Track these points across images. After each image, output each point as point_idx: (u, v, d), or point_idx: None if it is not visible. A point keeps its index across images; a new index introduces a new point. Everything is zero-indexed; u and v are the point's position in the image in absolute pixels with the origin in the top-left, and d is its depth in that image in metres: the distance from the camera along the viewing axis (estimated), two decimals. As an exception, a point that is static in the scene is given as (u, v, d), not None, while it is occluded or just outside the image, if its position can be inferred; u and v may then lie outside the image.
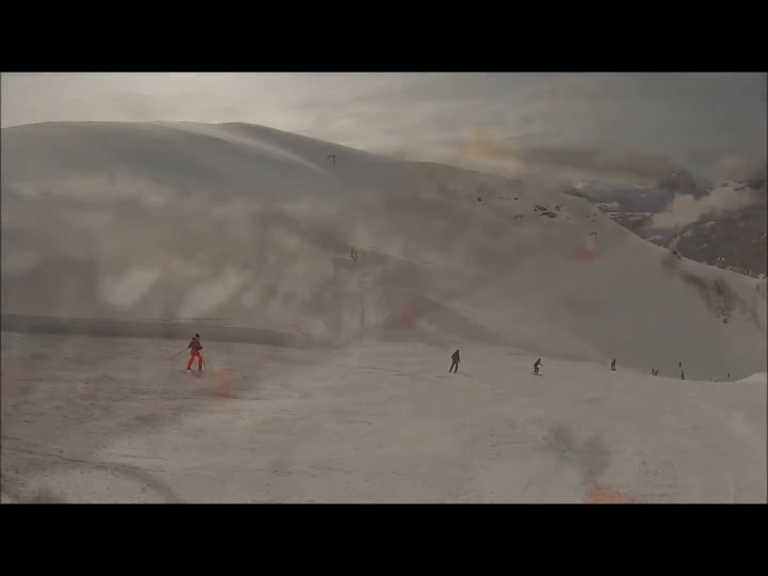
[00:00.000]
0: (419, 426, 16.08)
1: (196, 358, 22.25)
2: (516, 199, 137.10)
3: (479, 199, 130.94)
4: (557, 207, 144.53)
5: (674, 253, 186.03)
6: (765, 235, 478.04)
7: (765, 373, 51.76)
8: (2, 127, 67.11)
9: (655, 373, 65.57)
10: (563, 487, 11.24)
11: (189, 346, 22.45)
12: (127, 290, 30.18)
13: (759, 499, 10.74)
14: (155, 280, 33.80)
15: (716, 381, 56.22)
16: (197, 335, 23.23)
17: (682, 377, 69.85)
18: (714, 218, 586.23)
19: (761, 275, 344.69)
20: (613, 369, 51.32)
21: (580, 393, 27.08)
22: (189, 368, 21.78)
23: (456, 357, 32.89)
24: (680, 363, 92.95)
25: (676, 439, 16.49)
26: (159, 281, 33.81)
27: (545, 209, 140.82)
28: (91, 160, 63.15)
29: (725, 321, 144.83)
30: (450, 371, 31.80)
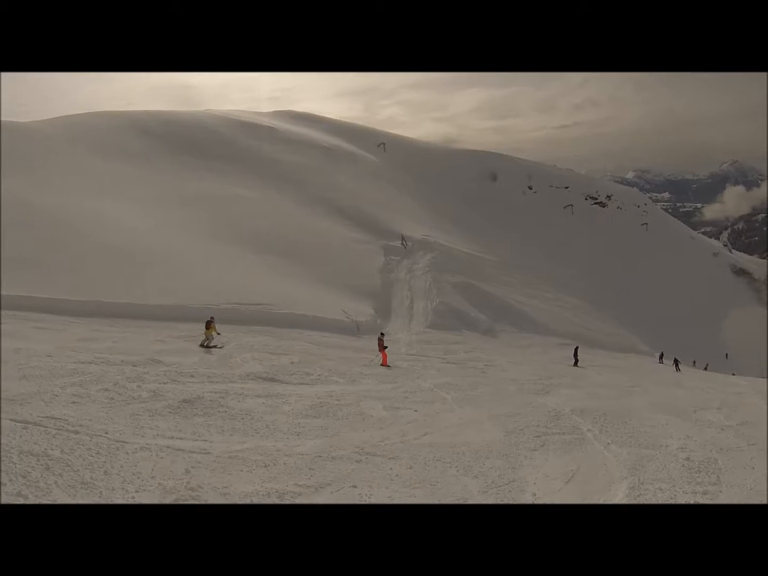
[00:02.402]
0: (464, 414, 16.06)
1: (384, 355, 24.58)
2: (566, 188, 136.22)
3: (530, 188, 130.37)
4: (608, 197, 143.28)
5: (725, 245, 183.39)
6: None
7: None
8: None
9: (706, 368, 64.76)
10: (606, 480, 11.13)
11: (380, 350, 24.84)
12: (176, 276, 30.59)
13: None
14: (203, 267, 34.22)
15: (764, 377, 55.20)
16: (382, 334, 26.58)
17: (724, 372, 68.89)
18: (765, 210, 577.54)
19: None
20: (661, 362, 50.72)
21: (626, 385, 26.93)
22: (384, 365, 24.01)
23: (575, 353, 35.32)
24: (726, 355, 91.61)
25: (720, 436, 16.30)
26: (207, 268, 34.21)
27: (596, 198, 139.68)
28: (136, 150, 64.11)
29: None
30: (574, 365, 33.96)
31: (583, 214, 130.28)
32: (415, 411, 15.73)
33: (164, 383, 14.49)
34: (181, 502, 8.12)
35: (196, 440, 10.45)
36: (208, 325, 22.82)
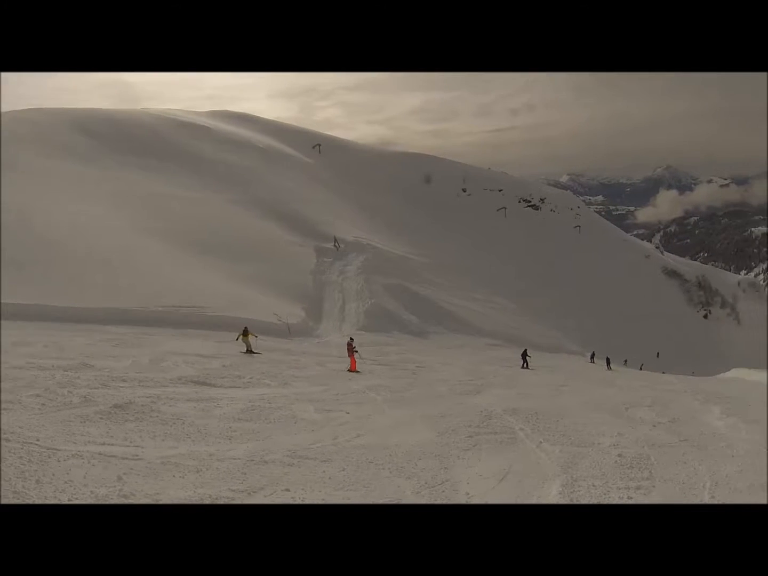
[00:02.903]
0: (396, 416, 16.15)
1: (352, 360, 25.24)
2: (500, 191, 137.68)
3: (464, 191, 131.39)
4: (541, 200, 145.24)
5: (657, 247, 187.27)
6: (748, 231, 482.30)
7: (743, 369, 52.25)
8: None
9: (641, 367, 66.14)
10: (539, 478, 11.21)
11: (350, 355, 25.54)
12: (108, 277, 30.25)
13: (734, 493, 10.82)
14: (136, 267, 33.90)
15: (693, 375, 56.52)
16: (351, 339, 27.24)
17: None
18: (698, 213, 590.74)
19: (743, 272, 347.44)
20: (592, 361, 51.60)
21: (558, 385, 27.36)
22: (353, 370, 24.64)
23: (525, 354, 36.38)
24: (658, 354, 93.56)
25: (652, 433, 16.51)
26: (140, 268, 33.90)
27: (529, 201, 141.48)
28: (76, 146, 63.20)
29: (705, 316, 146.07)
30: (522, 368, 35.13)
31: (517, 217, 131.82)
32: (347, 413, 15.77)
33: (95, 388, 14.39)
34: (184, 503, 8.21)
35: (128, 446, 10.41)
36: (246, 332, 25.42)
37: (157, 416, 12.74)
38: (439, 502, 9.60)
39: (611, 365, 49.08)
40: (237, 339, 25.45)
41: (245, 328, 25.73)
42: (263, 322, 32.24)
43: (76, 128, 70.15)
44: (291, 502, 8.94)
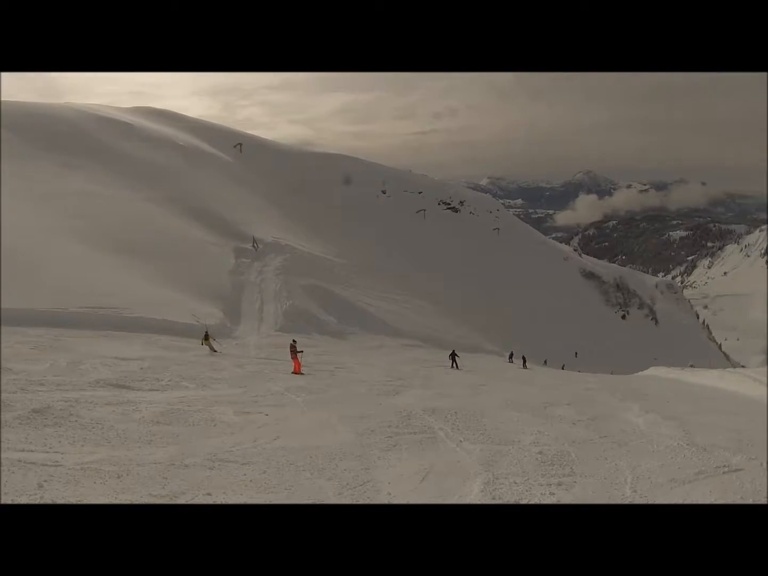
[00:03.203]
0: (316, 417, 16.18)
1: (296, 362, 25.46)
2: (420, 193, 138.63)
3: (384, 192, 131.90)
4: (461, 202, 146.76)
5: (575, 250, 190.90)
6: (666, 235, 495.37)
7: (661, 367, 53.61)
8: None
9: (563, 367, 67.43)
10: (461, 476, 11.20)
11: (292, 357, 25.83)
12: (25, 278, 29.64)
13: (655, 487, 11.00)
14: (53, 267, 33.27)
15: (612, 373, 57.80)
16: (294, 341, 27.22)
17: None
18: (617, 217, 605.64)
19: (661, 274, 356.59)
20: (511, 361, 52.38)
21: (477, 384, 27.73)
22: (297, 372, 24.96)
23: (454, 355, 37.15)
24: (576, 353, 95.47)
25: (572, 430, 16.69)
26: (57, 268, 33.29)
27: (449, 204, 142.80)
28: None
29: (623, 317, 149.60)
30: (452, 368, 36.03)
31: (436, 219, 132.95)
32: (266, 415, 15.75)
33: (13, 392, 14.18)
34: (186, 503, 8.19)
35: (48, 452, 10.32)
36: (207, 336, 27.91)
37: (76, 421, 12.61)
38: (361, 502, 9.64)
39: (527, 364, 50.07)
40: (202, 344, 27.51)
41: (206, 332, 28.31)
42: (181, 323, 32.02)
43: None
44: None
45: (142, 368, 20.01)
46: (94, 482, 9.24)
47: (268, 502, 9.24)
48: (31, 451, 10.30)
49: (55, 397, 14.33)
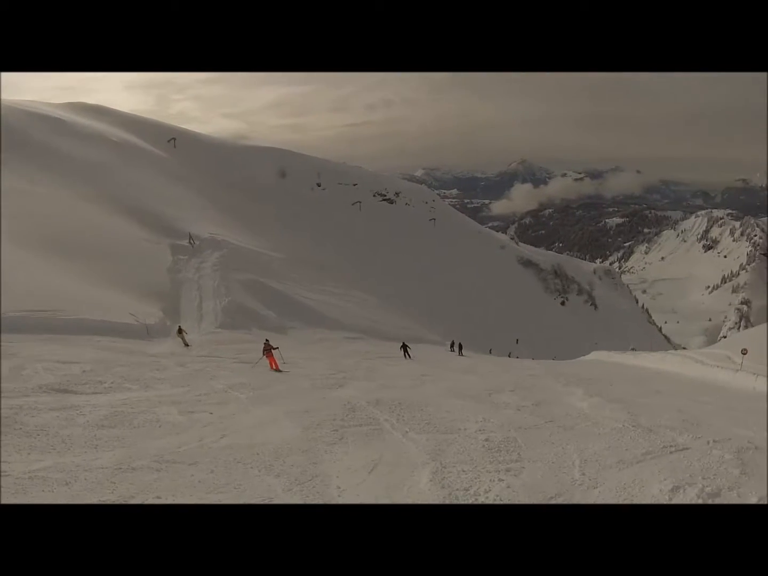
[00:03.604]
0: (261, 414, 16.24)
1: (271, 360, 26.39)
2: (355, 185, 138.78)
3: (318, 185, 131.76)
4: (396, 193, 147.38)
5: (512, 238, 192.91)
6: (603, 222, 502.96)
7: (603, 352, 54.59)
8: None
9: (510, 355, 68.13)
10: (409, 467, 11.41)
11: (263, 353, 26.59)
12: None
13: (603, 469, 11.18)
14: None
15: (554, 359, 58.59)
16: (267, 340, 28.05)
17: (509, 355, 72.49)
18: (552, 206, 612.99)
19: (598, 260, 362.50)
20: (452, 350, 52.80)
21: (419, 374, 28.00)
22: (273, 369, 25.85)
23: (405, 346, 38.99)
24: (517, 340, 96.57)
25: (517, 416, 17.00)
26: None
27: (384, 195, 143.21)
28: None
29: (563, 303, 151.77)
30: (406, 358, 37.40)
31: (372, 211, 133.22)
32: (211, 413, 15.74)
33: (-46, 401, 14.03)
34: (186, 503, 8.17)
35: (-7, 460, 10.26)
36: (180, 330, 32.29)
37: (21, 428, 12.48)
38: (311, 497, 9.72)
39: (462, 351, 50.87)
40: (176, 338, 31.23)
41: (179, 326, 32.96)
42: (120, 323, 31.65)
43: None
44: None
45: (84, 371, 19.78)
46: (42, 490, 9.18)
47: (218, 503, 9.28)
48: (-23, 460, 10.21)
49: (-3, 404, 14.17)
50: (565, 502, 9.74)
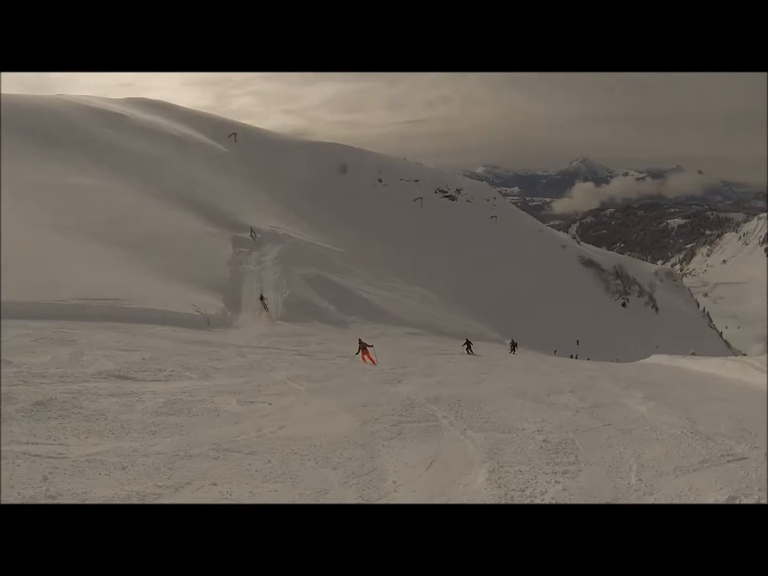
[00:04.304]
0: (319, 406, 16.06)
1: (367, 356, 27.71)
2: (417, 181, 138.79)
3: (380, 181, 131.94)
4: (458, 190, 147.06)
5: (573, 237, 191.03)
6: (664, 223, 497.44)
7: (663, 355, 53.64)
8: None
9: (573, 357, 67.60)
10: (465, 464, 11.09)
11: (357, 352, 27.96)
12: (20, 272, 29.50)
13: (660, 475, 10.86)
14: (49, 261, 33.13)
15: (616, 361, 57.83)
16: (360, 339, 29.43)
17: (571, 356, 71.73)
18: (614, 205, 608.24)
19: (660, 262, 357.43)
20: (512, 349, 52.38)
21: (479, 372, 27.55)
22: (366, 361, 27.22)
23: (468, 343, 39.46)
24: (577, 341, 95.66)
25: (576, 418, 16.52)
26: (53, 262, 33.15)
27: (446, 192, 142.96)
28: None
29: (624, 305, 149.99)
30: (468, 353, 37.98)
31: (433, 207, 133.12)
32: (270, 404, 15.64)
33: (15, 385, 14.07)
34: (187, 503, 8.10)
35: (52, 444, 10.23)
36: (262, 297, 37.57)
37: (80, 413, 12.51)
38: (366, 491, 9.53)
39: (516, 349, 50.99)
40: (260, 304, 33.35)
41: (261, 294, 39.12)
42: (182, 313, 31.93)
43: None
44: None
45: (144, 359, 19.90)
46: (99, 473, 9.15)
47: (272, 491, 9.18)
48: (36, 443, 10.21)
49: (57, 389, 14.22)
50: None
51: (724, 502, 9.32)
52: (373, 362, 27.01)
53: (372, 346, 27.95)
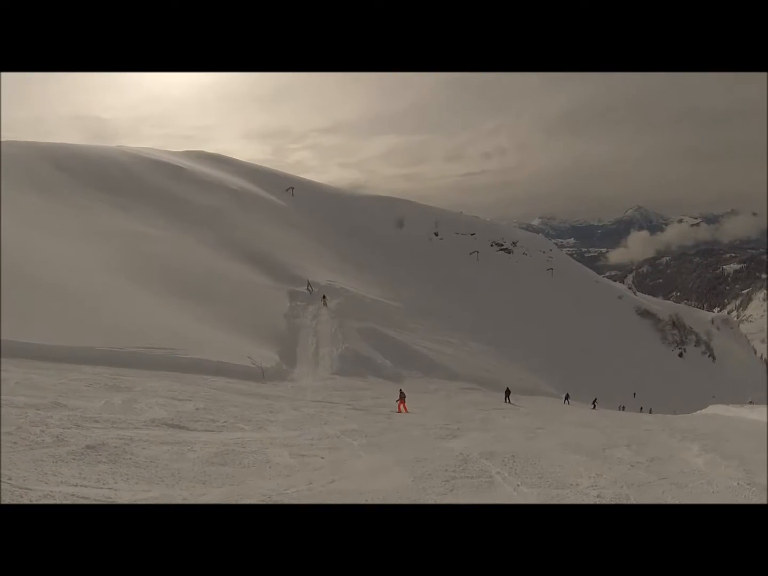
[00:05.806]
0: (372, 461, 15.92)
1: (403, 406, 29.16)
2: (473, 234, 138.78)
3: (436, 234, 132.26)
4: (513, 243, 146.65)
5: (629, 288, 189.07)
6: (720, 269, 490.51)
7: (721, 405, 52.57)
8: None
9: (622, 408, 66.53)
10: None
11: (398, 399, 29.49)
12: (79, 316, 29.90)
13: None
14: (107, 306, 33.56)
15: (673, 413, 56.82)
16: (400, 389, 30.84)
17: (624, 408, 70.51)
18: (669, 253, 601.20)
19: (716, 309, 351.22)
20: (567, 403, 51.80)
21: (533, 427, 27.20)
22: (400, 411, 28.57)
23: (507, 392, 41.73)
24: (634, 394, 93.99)
25: (631, 472, 16.41)
26: (111, 308, 33.56)
27: (501, 245, 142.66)
28: (50, 182, 62.87)
29: (681, 354, 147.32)
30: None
31: (489, 260, 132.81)
32: (322, 458, 15.54)
33: (68, 428, 14.14)
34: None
35: (101, 488, 10.20)
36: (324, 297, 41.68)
37: (131, 458, 12.51)
38: None
39: (569, 400, 52.19)
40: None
41: (323, 295, 44.80)
42: (237, 365, 32.02)
43: (49, 163, 69.77)
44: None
45: (197, 409, 19.93)
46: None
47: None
48: (84, 486, 10.18)
49: (109, 434, 14.26)
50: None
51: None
52: (406, 410, 28.73)
53: (406, 396, 29.75)
